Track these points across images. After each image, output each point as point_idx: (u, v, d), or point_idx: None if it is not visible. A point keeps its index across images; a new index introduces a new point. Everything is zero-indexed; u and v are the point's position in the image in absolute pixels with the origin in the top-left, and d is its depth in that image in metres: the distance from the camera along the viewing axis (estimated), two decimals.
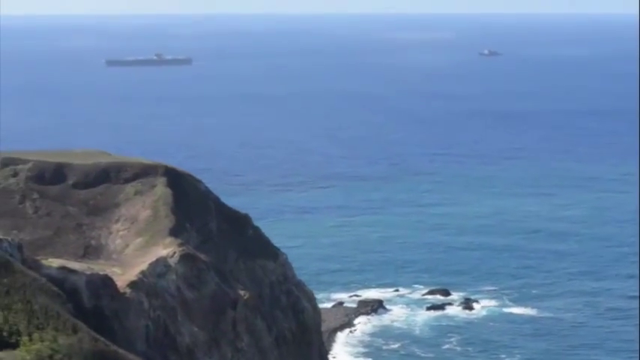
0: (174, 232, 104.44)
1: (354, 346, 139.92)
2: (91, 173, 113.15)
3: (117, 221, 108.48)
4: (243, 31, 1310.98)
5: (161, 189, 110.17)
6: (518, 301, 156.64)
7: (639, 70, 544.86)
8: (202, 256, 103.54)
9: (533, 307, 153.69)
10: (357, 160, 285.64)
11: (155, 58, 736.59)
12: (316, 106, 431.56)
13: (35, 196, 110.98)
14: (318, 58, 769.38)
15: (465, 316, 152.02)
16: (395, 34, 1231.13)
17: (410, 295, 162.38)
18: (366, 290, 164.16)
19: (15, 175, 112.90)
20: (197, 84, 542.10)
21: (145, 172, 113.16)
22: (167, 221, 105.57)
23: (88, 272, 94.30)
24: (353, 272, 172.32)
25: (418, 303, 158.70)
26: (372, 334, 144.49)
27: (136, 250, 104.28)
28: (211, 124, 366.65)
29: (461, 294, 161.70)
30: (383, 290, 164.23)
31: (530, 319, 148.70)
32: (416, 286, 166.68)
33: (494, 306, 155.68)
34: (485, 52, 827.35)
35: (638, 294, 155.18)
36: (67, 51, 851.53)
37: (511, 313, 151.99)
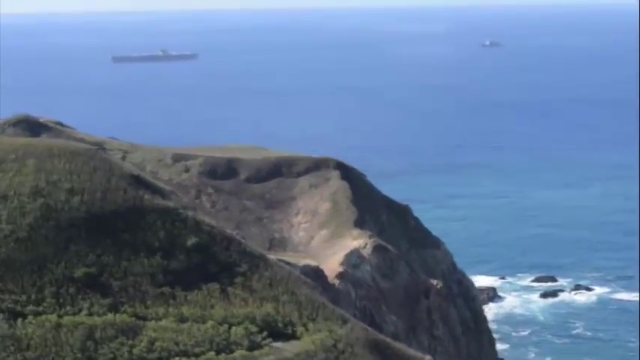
0: (357, 224, 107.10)
1: None
2: (262, 168, 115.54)
3: (297, 214, 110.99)
4: (244, 27, 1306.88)
5: (337, 182, 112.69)
6: (629, 289, 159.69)
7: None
8: (390, 247, 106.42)
9: None
10: (403, 153, 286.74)
11: (160, 53, 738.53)
12: (332, 100, 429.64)
13: (210, 190, 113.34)
14: (321, 53, 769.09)
15: (581, 301, 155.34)
16: (391, 27, 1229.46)
17: (518, 282, 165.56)
18: (473, 279, 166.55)
19: (187, 170, 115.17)
20: (204, 79, 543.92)
21: (316, 165, 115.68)
22: (349, 213, 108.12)
23: (301, 264, 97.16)
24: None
25: (528, 290, 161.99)
26: (498, 322, 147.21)
27: (322, 242, 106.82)
28: (224, 117, 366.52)
29: (567, 280, 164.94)
30: (490, 278, 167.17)
31: None
32: (520, 274, 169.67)
33: (606, 292, 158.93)
34: (487, 43, 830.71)
35: None
36: (71, 49, 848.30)
37: (626, 300, 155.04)
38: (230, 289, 74.90)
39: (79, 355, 65.02)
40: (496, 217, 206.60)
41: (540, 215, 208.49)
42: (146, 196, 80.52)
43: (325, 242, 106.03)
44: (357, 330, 74.38)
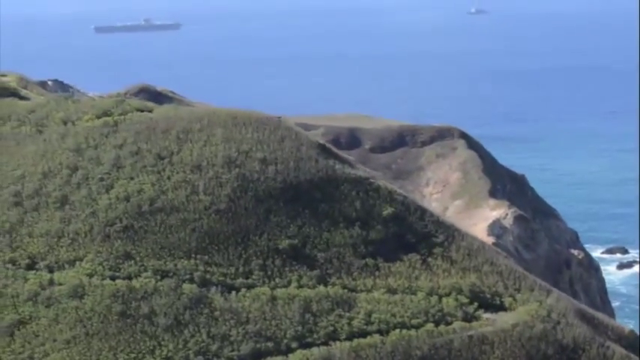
0: (492, 194, 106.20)
1: None
2: (386, 137, 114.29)
3: (427, 184, 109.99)
4: None
5: (464, 151, 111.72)
6: None
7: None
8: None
9: None
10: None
11: (143, 23, 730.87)
12: (328, 68, 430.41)
13: None
14: (314, 19, 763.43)
15: None
16: None
17: (590, 254, 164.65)
18: None
19: None
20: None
21: (440, 135, 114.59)
22: (482, 183, 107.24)
23: None
24: None
25: (602, 261, 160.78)
26: None
27: (457, 212, 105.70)
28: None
29: (637, 251, 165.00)
30: None
31: None
32: (588, 246, 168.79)
33: None
34: (473, 10, 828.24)
35: None
36: (49, 18, 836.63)
37: None
38: (430, 260, 73.84)
39: (299, 329, 63.80)
40: (544, 191, 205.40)
41: (586, 188, 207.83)
42: (337, 166, 79.00)
43: (461, 213, 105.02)
44: (563, 300, 73.40)
